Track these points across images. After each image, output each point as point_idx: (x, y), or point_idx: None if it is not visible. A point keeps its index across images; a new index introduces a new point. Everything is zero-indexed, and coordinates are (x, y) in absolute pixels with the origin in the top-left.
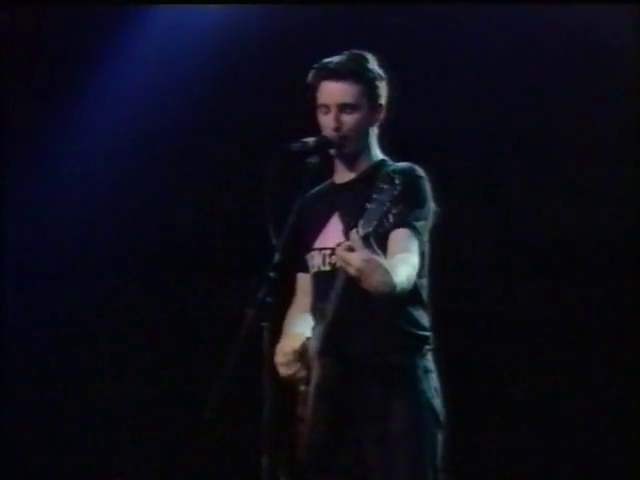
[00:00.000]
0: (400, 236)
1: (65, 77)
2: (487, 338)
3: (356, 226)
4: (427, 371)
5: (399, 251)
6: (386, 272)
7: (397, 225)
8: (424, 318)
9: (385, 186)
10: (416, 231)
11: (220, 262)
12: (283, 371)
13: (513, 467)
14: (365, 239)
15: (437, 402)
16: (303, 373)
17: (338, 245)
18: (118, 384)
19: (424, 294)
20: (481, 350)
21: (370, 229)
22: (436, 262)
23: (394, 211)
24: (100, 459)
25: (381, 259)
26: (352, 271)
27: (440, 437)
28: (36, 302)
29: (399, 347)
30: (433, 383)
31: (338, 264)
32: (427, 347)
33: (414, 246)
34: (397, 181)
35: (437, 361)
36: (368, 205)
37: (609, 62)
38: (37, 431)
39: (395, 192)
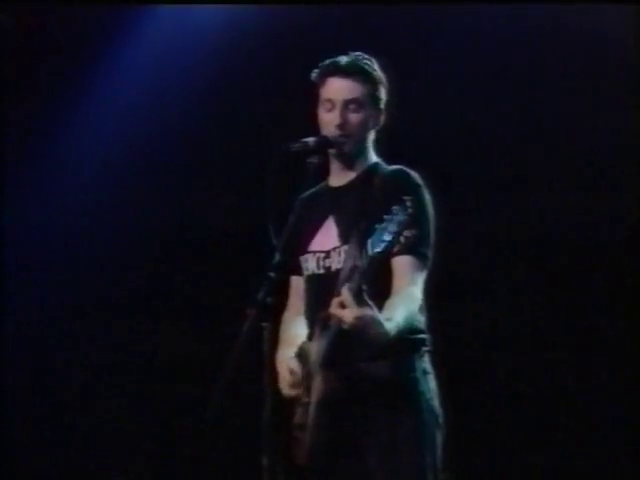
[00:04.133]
0: (407, 265)
1: (65, 77)
2: (484, 339)
3: (357, 226)
4: (425, 372)
5: (405, 284)
6: (379, 324)
7: (406, 251)
8: (421, 320)
9: (396, 207)
10: (424, 258)
11: (220, 262)
12: (287, 391)
13: (512, 467)
14: (358, 290)
15: (436, 403)
16: (304, 391)
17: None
18: (118, 384)
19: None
20: (478, 351)
21: (379, 250)
22: (433, 264)
23: (406, 234)
24: (100, 459)
25: (373, 312)
26: (345, 327)
27: (439, 438)
28: (35, 303)
29: (397, 350)
30: (431, 384)
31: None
32: (424, 349)
33: (420, 277)
34: (408, 204)
35: (434, 362)
36: (377, 225)
37: (609, 62)
38: (37, 431)
39: (407, 216)
